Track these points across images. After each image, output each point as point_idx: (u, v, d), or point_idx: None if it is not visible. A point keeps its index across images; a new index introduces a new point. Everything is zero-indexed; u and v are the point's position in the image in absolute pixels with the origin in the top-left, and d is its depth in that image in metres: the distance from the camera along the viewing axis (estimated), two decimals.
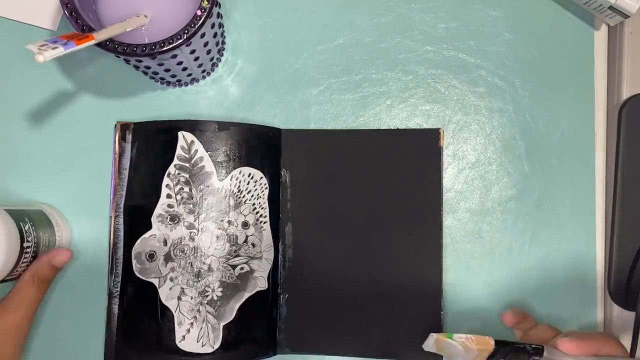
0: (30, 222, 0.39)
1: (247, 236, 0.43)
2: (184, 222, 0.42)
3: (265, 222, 0.44)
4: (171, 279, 0.42)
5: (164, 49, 0.36)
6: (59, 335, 0.45)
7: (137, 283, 0.42)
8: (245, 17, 0.47)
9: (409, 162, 0.45)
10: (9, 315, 0.38)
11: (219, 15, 0.41)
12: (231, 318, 0.42)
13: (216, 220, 0.42)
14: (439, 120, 0.46)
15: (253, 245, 0.43)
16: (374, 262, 0.44)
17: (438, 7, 0.47)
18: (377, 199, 0.45)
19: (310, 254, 0.45)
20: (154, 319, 0.42)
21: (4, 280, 0.38)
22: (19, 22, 0.46)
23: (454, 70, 0.47)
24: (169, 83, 0.46)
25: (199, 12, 0.36)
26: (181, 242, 0.42)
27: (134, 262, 0.42)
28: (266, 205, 0.44)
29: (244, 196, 0.43)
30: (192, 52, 0.39)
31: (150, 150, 0.43)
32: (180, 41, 0.36)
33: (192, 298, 0.41)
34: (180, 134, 0.43)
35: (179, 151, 0.43)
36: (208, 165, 0.42)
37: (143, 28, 0.38)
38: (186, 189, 0.42)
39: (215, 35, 0.41)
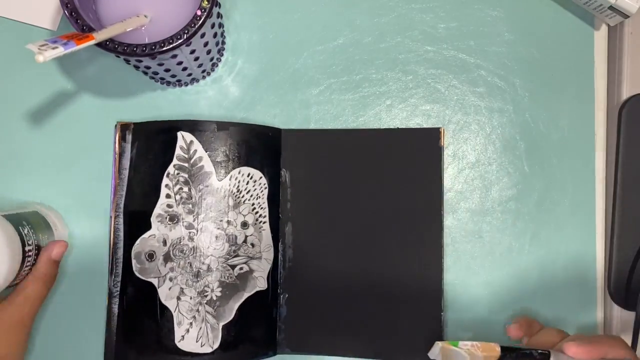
0: (28, 225, 0.39)
1: (246, 236, 0.43)
2: (183, 222, 0.42)
3: (264, 222, 0.44)
4: (170, 279, 0.42)
5: (164, 49, 0.36)
6: (59, 335, 0.45)
7: (137, 283, 0.42)
8: (245, 17, 0.47)
9: (409, 162, 0.45)
10: (15, 311, 0.39)
11: (219, 15, 0.41)
12: (230, 318, 0.42)
13: (215, 220, 0.42)
14: (439, 120, 0.46)
15: (252, 245, 0.43)
16: (374, 262, 0.44)
17: (438, 7, 0.47)
18: (377, 199, 0.45)
19: (310, 254, 0.45)
20: (153, 318, 0.42)
21: (9, 286, 0.38)
22: (19, 22, 0.46)
23: (454, 70, 0.47)
24: (169, 83, 0.46)
25: (199, 12, 0.36)
26: (180, 242, 0.42)
27: (133, 262, 0.42)
28: (265, 205, 0.44)
29: (243, 196, 0.43)
30: (192, 52, 0.39)
31: (150, 150, 0.43)
32: (180, 41, 0.36)
33: (191, 298, 0.41)
34: (179, 134, 0.43)
35: (178, 151, 0.43)
36: (207, 165, 0.42)
37: (143, 28, 0.38)
38: (185, 189, 0.42)
39: (215, 35, 0.41)
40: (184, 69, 0.42)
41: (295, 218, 0.45)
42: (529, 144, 0.46)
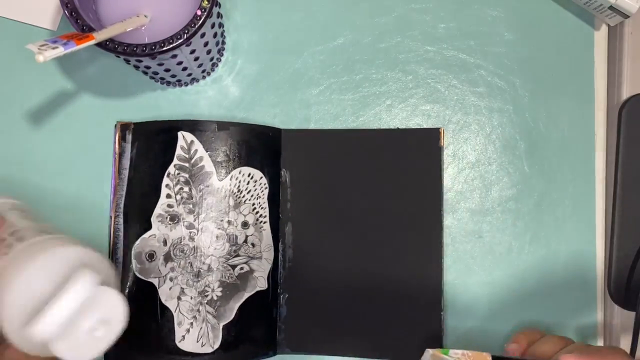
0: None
1: (246, 236, 0.43)
2: (183, 222, 0.42)
3: (265, 222, 0.44)
4: (171, 279, 0.42)
5: (164, 49, 0.36)
6: None
7: (137, 283, 0.42)
8: (245, 17, 0.47)
9: (409, 162, 0.45)
10: None
11: (219, 15, 0.41)
12: (231, 318, 0.42)
13: (216, 220, 0.42)
14: (439, 120, 0.46)
15: (253, 245, 0.43)
16: (374, 262, 0.44)
17: (438, 7, 0.47)
18: (377, 199, 0.45)
19: (310, 254, 0.45)
20: (153, 319, 0.42)
21: None
22: (19, 22, 0.46)
23: (454, 70, 0.47)
24: (169, 83, 0.46)
25: (199, 12, 0.36)
26: (181, 242, 0.42)
27: (133, 262, 0.42)
28: (266, 205, 0.44)
29: (243, 196, 0.43)
30: (192, 52, 0.39)
31: (150, 150, 0.43)
32: (180, 41, 0.36)
33: (191, 298, 0.41)
34: (180, 134, 0.43)
35: (178, 151, 0.43)
36: (208, 165, 0.42)
37: (143, 28, 0.38)
38: (186, 188, 0.42)
39: (215, 35, 0.41)
40: (184, 69, 0.42)
41: (295, 218, 0.45)
42: (529, 144, 0.46)
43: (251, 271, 0.43)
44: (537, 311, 0.45)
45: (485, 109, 0.46)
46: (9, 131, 0.46)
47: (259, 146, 0.44)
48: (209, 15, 0.36)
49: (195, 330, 0.41)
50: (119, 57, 0.37)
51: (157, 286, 0.42)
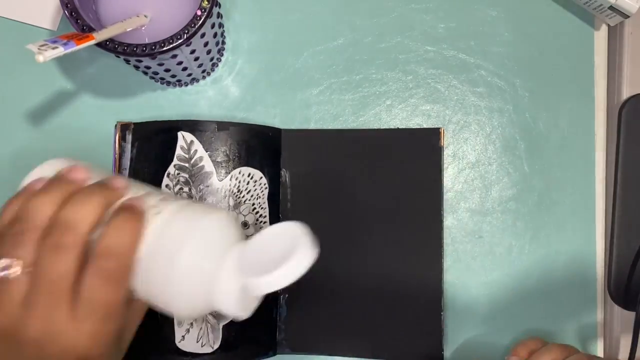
0: None
1: (246, 236, 0.43)
2: None
3: (265, 222, 0.44)
4: None
5: (164, 49, 0.36)
6: None
7: None
8: (245, 17, 0.47)
9: (409, 161, 0.45)
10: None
11: (219, 15, 0.41)
12: (231, 318, 0.42)
13: None
14: (439, 120, 0.46)
15: None
16: (374, 262, 0.44)
17: (438, 7, 0.47)
18: (377, 199, 0.45)
19: None
20: (153, 319, 0.42)
21: None
22: (19, 22, 0.46)
23: (454, 70, 0.47)
24: (169, 83, 0.46)
25: (199, 12, 0.36)
26: None
27: None
28: (266, 205, 0.44)
29: (243, 196, 0.43)
30: (192, 52, 0.39)
31: (150, 150, 0.43)
32: (180, 41, 0.36)
33: None
34: (179, 134, 0.43)
35: (178, 151, 0.43)
36: (208, 165, 0.42)
37: (143, 28, 0.38)
38: (186, 189, 0.42)
39: (215, 35, 0.41)
40: (184, 69, 0.42)
41: (295, 218, 0.45)
42: (529, 144, 0.46)
43: None
44: (537, 311, 0.45)
45: (485, 109, 0.46)
46: (9, 131, 0.46)
47: (258, 146, 0.44)
48: (209, 15, 0.36)
49: (195, 330, 0.41)
50: (119, 57, 0.37)
51: None
